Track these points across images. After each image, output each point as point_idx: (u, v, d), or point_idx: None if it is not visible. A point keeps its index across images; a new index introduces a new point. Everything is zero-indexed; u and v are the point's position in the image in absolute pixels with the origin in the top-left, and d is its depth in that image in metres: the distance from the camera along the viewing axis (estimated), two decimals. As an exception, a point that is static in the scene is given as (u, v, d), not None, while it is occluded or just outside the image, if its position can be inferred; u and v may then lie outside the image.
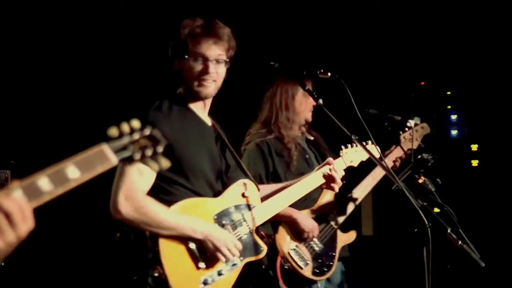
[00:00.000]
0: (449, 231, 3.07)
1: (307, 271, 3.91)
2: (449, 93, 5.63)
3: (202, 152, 2.65)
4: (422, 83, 5.51)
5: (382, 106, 4.07)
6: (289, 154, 4.04)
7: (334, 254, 4.13)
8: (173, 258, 2.76)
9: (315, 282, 3.97)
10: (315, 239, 4.02)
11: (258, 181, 3.71)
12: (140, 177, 2.79)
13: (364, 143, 3.33)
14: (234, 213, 2.98)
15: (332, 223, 4.12)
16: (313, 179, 3.34)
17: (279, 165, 4.03)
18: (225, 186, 2.70)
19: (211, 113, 2.86)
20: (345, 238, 4.18)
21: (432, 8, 5.55)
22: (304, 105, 4.01)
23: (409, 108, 4.76)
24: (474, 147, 5.50)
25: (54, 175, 1.43)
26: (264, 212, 3.14)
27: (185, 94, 2.95)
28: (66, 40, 6.02)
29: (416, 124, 4.20)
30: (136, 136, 1.65)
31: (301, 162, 4.09)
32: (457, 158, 5.48)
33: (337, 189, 3.34)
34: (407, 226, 3.31)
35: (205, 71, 2.81)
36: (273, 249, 3.79)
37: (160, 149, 1.67)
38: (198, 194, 2.56)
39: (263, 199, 2.86)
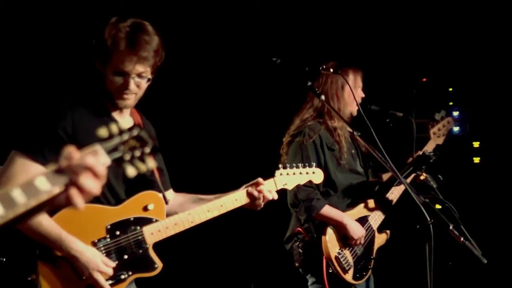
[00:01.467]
0: (451, 227, 3.11)
1: (348, 276, 4.08)
2: (451, 89, 5.55)
3: None
4: (424, 79, 5.47)
5: (384, 103, 4.28)
6: (340, 148, 4.16)
7: (372, 257, 4.27)
8: (50, 272, 2.76)
9: (354, 285, 4.18)
10: (359, 242, 4.18)
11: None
12: (24, 173, 2.74)
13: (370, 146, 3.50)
14: (131, 225, 2.86)
15: (372, 225, 4.27)
16: (236, 197, 3.17)
17: (329, 159, 4.14)
18: (130, 195, 2.62)
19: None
20: (380, 240, 4.33)
21: (434, 4, 5.52)
22: (351, 96, 4.01)
23: (411, 105, 4.84)
24: (476, 144, 5.47)
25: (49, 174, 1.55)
26: (166, 229, 3.00)
27: (103, 95, 2.96)
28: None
29: (442, 118, 4.42)
30: (125, 137, 1.73)
31: (349, 158, 4.22)
32: (459, 155, 5.41)
33: (257, 209, 3.26)
34: (410, 222, 3.53)
35: (125, 86, 2.78)
36: (316, 249, 4.06)
37: (147, 150, 1.75)
38: (97, 199, 2.45)
39: (183, 207, 2.79)
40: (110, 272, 2.69)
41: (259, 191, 2.99)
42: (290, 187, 3.30)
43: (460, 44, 5.54)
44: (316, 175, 3.40)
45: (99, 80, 2.94)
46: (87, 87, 3.24)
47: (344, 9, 5.68)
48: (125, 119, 3.01)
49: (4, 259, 5.05)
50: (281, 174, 3.22)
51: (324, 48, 5.32)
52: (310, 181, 3.47)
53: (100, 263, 2.66)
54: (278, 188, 3.20)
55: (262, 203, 3.04)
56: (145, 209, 2.84)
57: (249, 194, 2.99)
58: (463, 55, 5.53)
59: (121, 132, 1.72)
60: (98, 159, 1.63)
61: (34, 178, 1.58)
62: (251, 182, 3.07)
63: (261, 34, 5.79)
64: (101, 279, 2.65)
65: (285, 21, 5.93)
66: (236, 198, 3.01)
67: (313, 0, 5.82)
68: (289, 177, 3.30)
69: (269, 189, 3.04)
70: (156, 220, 2.85)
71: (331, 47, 5.26)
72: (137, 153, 1.75)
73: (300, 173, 3.33)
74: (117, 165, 1.74)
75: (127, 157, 1.74)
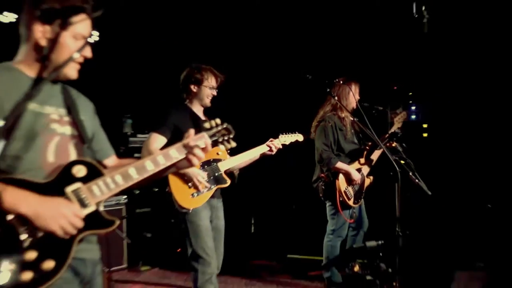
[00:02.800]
0: (410, 174, 3.83)
1: (351, 202, 5.15)
2: (410, 93, 6.13)
3: None
4: (395, 87, 6.09)
5: (371, 101, 5.05)
6: (346, 129, 5.21)
7: (363, 191, 5.30)
8: (175, 181, 3.75)
9: (352, 207, 5.21)
10: (357, 184, 5.21)
11: (331, 149, 5.14)
12: (156, 142, 3.66)
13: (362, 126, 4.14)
14: (211, 163, 3.89)
15: (364, 173, 5.25)
16: (263, 147, 4.14)
17: (340, 136, 5.19)
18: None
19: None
20: (367, 182, 5.38)
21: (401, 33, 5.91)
22: (353, 99, 4.98)
23: (386, 103, 5.59)
24: (425, 125, 6.09)
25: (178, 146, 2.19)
26: (231, 161, 4.00)
27: (192, 103, 4.12)
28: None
29: (401, 111, 5.37)
30: (219, 128, 2.34)
31: (351, 135, 5.27)
32: (415, 132, 5.96)
33: (272, 154, 4.16)
34: (385, 171, 4.21)
35: (212, 96, 4.02)
36: (332, 186, 5.12)
37: (231, 136, 2.36)
38: None
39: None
40: (205, 177, 3.76)
41: (272, 143, 4.09)
42: (287, 142, 4.24)
43: (419, 62, 6.02)
44: (299, 136, 4.35)
45: (189, 94, 3.92)
46: (183, 98, 4.05)
47: (346, 37, 6.14)
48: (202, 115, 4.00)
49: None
50: (281, 136, 4.23)
51: (334, 65, 5.75)
52: (296, 140, 4.37)
53: (200, 175, 3.71)
54: (281, 143, 4.19)
55: (274, 151, 4.10)
56: (217, 154, 3.93)
57: (268, 145, 4.09)
58: (420, 72, 6.06)
59: (217, 125, 2.34)
60: (204, 140, 2.21)
61: (169, 150, 2.13)
62: (269, 140, 4.13)
63: (295, 56, 6.27)
64: (202, 180, 3.73)
65: (307, 45, 6.37)
66: (263, 148, 4.08)
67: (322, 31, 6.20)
68: (285, 138, 4.25)
69: (276, 143, 4.12)
70: (222, 160, 3.91)
71: (338, 66, 5.70)
72: (225, 138, 2.36)
73: (291, 136, 4.28)
74: (214, 144, 2.29)
75: (220, 139, 2.33)
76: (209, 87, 3.88)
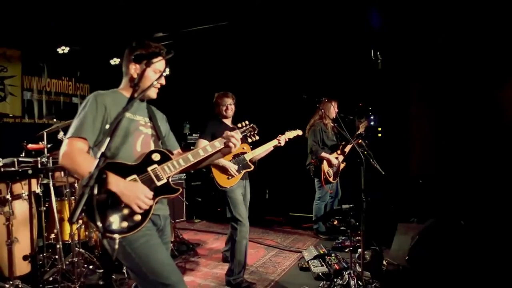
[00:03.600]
0: (371, 160, 3.61)
1: (331, 178, 5.25)
2: (370, 108, 5.91)
3: None
4: (360, 104, 5.91)
5: (345, 112, 5.01)
6: (328, 131, 5.32)
7: (339, 172, 5.31)
8: (216, 170, 3.67)
9: (331, 183, 5.28)
10: (335, 167, 5.26)
11: (318, 144, 5.13)
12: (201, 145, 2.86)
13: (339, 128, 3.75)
14: (240, 155, 3.73)
15: (339, 160, 5.30)
16: (275, 141, 3.88)
17: (324, 136, 5.28)
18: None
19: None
20: (342, 166, 5.35)
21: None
22: (333, 111, 5.00)
23: (355, 114, 5.56)
24: (379, 129, 5.92)
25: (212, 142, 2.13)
26: (252, 153, 3.82)
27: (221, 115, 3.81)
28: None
29: (364, 120, 5.42)
30: (248, 127, 2.30)
31: (332, 135, 5.34)
32: (373, 132, 5.82)
33: (281, 145, 3.85)
34: (354, 159, 4.28)
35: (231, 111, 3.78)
36: (319, 168, 5.18)
37: (256, 132, 2.30)
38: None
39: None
40: (236, 167, 3.66)
41: (280, 138, 3.85)
42: (291, 136, 3.96)
43: (375, 87, 5.79)
44: (299, 132, 4.06)
45: (218, 111, 3.80)
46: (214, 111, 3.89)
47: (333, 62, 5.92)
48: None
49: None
50: (287, 132, 3.96)
51: (322, 89, 5.25)
52: (297, 135, 4.04)
53: (232, 165, 3.65)
54: (287, 137, 3.91)
55: (283, 143, 3.84)
56: (243, 149, 3.81)
57: (278, 139, 3.85)
58: (376, 93, 5.85)
59: (246, 124, 2.31)
60: (238, 135, 2.18)
61: (213, 142, 2.12)
62: (278, 136, 3.90)
63: (297, 81, 6.07)
64: (234, 169, 3.64)
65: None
66: (274, 142, 3.85)
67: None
68: (290, 133, 3.96)
69: (283, 137, 3.89)
70: (247, 152, 3.80)
71: (324, 89, 5.22)
72: (252, 133, 2.31)
73: (293, 132, 4.01)
74: (244, 140, 2.21)
75: (248, 134, 2.30)
76: (228, 105, 3.78)
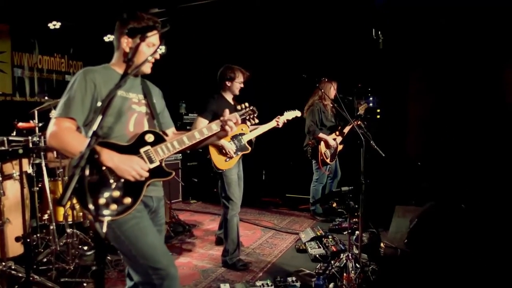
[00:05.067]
0: (371, 142, 3.58)
1: (328, 160, 5.19)
2: (369, 89, 5.91)
3: None
4: (359, 85, 5.91)
5: (345, 93, 4.94)
6: (327, 112, 5.26)
7: (337, 153, 5.25)
8: (213, 151, 3.55)
9: (329, 164, 5.23)
10: (333, 148, 5.21)
11: (316, 125, 5.05)
12: (201, 123, 3.40)
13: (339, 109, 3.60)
14: (238, 136, 3.62)
15: (337, 141, 5.23)
16: (273, 122, 3.85)
17: (323, 117, 5.21)
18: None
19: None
20: (340, 148, 5.24)
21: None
22: (333, 92, 4.96)
23: (354, 94, 5.74)
24: (378, 110, 5.92)
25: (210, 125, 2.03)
26: (251, 133, 3.75)
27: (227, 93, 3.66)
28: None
29: (363, 101, 5.46)
30: (247, 109, 2.24)
31: (330, 116, 5.27)
32: (372, 113, 5.80)
33: (279, 127, 3.83)
34: (353, 140, 4.36)
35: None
36: (316, 149, 5.11)
37: (255, 115, 2.23)
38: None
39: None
40: (234, 149, 3.55)
41: (278, 119, 3.84)
42: (290, 117, 3.93)
43: (375, 68, 5.73)
44: (298, 112, 4.04)
45: (223, 87, 3.64)
46: (219, 89, 3.73)
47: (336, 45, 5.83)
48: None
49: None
50: (285, 113, 3.94)
51: (322, 68, 5.28)
52: (296, 116, 4.01)
53: (231, 147, 3.53)
54: (285, 118, 3.89)
55: (281, 125, 3.82)
56: (242, 130, 3.69)
57: (276, 121, 3.84)
58: (376, 74, 5.81)
59: (246, 107, 2.24)
60: (236, 117, 2.12)
61: (211, 124, 2.05)
62: (276, 117, 3.87)
63: (298, 61, 5.95)
64: (232, 151, 3.53)
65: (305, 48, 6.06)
66: (273, 123, 3.83)
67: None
68: (288, 114, 3.94)
69: (282, 119, 3.86)
70: (245, 133, 3.70)
71: (324, 69, 5.20)
72: (251, 116, 2.26)
73: (292, 112, 3.98)
74: (243, 121, 2.16)
75: (247, 117, 2.24)
76: (238, 82, 3.64)
